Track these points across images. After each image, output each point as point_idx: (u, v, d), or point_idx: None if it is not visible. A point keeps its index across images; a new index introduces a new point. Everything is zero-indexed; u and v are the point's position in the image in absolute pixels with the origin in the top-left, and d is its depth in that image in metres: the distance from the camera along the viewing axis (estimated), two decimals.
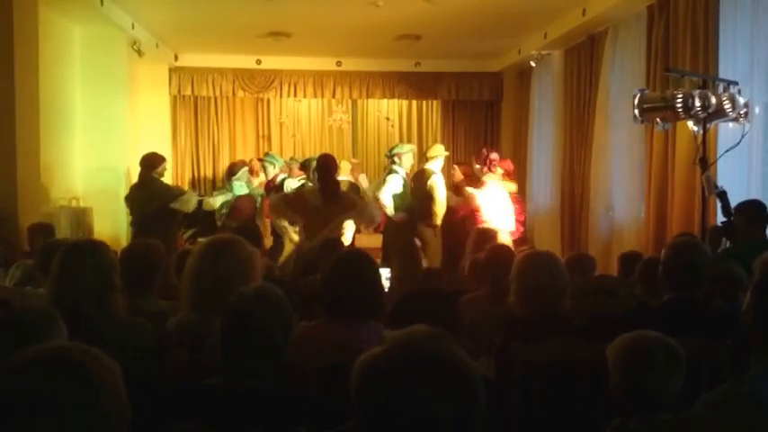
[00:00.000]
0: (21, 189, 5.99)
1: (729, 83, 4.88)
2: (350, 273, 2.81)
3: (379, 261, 4.71)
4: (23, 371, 1.28)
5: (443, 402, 1.22)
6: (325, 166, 5.94)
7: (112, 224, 8.12)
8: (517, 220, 7.38)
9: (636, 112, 4.79)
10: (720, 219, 4.79)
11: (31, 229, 5.36)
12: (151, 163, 6.94)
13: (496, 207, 7.02)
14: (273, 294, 2.11)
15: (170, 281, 3.58)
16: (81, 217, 7.50)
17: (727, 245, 4.66)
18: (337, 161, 6.78)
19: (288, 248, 6.98)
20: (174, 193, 7.18)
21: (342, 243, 5.11)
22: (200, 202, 7.63)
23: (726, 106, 4.63)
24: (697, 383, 2.35)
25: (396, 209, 6.84)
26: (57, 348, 1.35)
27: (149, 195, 6.82)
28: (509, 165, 7.79)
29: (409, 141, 13.47)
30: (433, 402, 1.22)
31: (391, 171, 6.95)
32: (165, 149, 10.61)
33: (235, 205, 7.89)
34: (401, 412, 1.22)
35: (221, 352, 2.05)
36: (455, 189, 7.62)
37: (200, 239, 6.34)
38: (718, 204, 4.74)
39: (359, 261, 2.91)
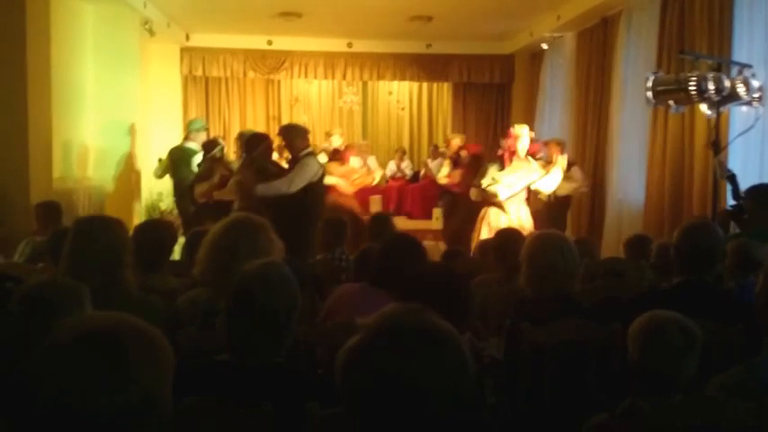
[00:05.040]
0: (32, 167, 6.01)
1: (743, 66, 4.82)
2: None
3: None
4: (68, 343, 1.24)
5: (431, 374, 1.20)
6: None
7: (124, 202, 8.15)
8: None
9: (649, 94, 4.74)
10: (730, 202, 4.77)
11: (38, 208, 5.37)
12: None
13: None
14: (277, 273, 2.10)
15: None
16: (92, 195, 7.53)
17: (736, 229, 4.64)
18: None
19: None
20: None
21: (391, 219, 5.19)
22: None
23: (739, 89, 4.58)
24: (708, 366, 2.35)
25: None
26: (103, 321, 1.31)
27: None
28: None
29: (419, 124, 13.49)
30: (422, 376, 1.20)
31: None
32: (175, 129, 10.67)
33: None
34: (391, 393, 1.20)
35: (227, 330, 2.06)
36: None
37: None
38: (729, 188, 4.71)
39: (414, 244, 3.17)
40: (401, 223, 7.77)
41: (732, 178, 4.61)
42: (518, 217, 6.18)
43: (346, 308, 2.98)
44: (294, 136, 5.84)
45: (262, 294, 2.03)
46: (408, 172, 12.36)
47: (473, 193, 6.42)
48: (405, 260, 2.99)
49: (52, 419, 1.19)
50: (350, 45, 11.29)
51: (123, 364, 1.23)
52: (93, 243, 2.62)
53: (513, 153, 6.23)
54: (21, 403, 1.24)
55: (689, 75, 4.60)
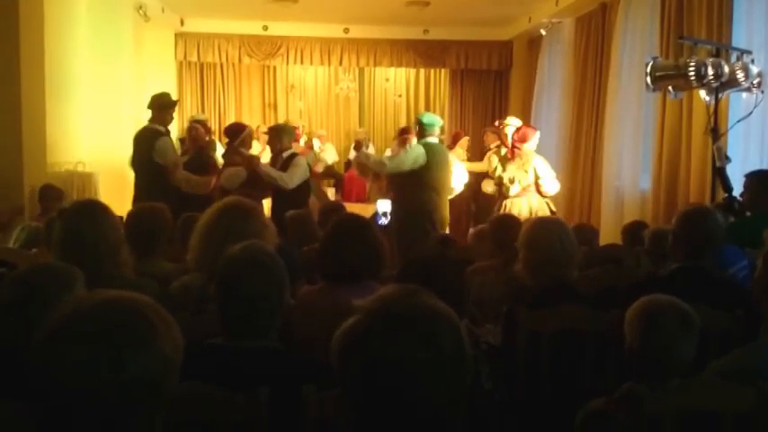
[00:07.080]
0: (26, 153, 5.98)
1: (743, 52, 4.80)
2: (342, 238, 2.81)
3: None
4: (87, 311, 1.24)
5: (427, 358, 1.18)
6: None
7: (118, 189, 8.10)
8: None
9: (648, 80, 4.72)
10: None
11: (43, 191, 5.34)
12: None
13: None
14: (262, 255, 2.08)
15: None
16: (86, 182, 7.47)
17: (730, 219, 4.62)
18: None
19: None
20: None
21: (342, 208, 5.15)
22: None
23: (739, 75, 4.57)
24: (706, 351, 2.33)
25: None
26: (112, 293, 1.32)
27: None
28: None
29: (416, 111, 13.44)
30: (418, 360, 1.17)
31: None
32: None
33: None
34: (386, 377, 1.18)
35: (219, 314, 2.05)
36: None
37: None
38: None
39: (350, 226, 2.89)
40: None
41: (721, 171, 4.59)
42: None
43: (308, 315, 2.70)
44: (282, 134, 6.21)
45: (244, 278, 2.01)
46: None
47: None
48: (349, 244, 2.77)
49: (75, 392, 1.17)
50: (346, 31, 11.21)
51: (147, 328, 1.23)
52: (84, 229, 2.59)
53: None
54: (33, 384, 1.22)
55: (688, 60, 4.58)
